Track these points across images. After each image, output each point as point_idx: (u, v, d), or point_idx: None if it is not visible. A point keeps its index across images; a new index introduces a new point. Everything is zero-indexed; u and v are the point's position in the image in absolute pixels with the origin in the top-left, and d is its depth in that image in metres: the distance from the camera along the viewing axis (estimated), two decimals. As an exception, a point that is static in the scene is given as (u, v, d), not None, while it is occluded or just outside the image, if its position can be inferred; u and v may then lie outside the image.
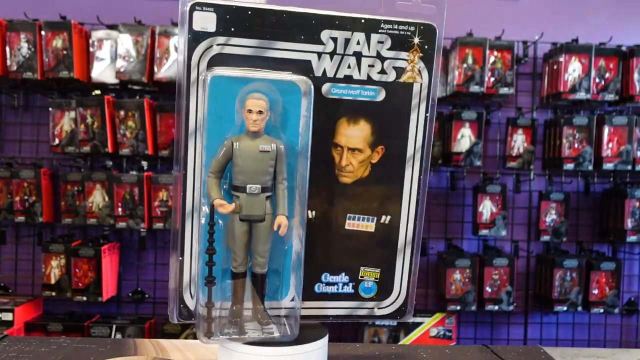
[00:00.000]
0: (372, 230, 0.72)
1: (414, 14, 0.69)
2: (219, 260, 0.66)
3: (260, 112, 0.63)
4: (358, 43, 0.68)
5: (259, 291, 0.67)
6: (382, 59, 0.68)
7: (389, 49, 0.68)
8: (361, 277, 0.73)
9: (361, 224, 0.72)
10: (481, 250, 2.70)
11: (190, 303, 0.67)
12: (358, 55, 0.68)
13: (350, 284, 0.72)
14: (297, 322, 0.68)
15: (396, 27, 0.68)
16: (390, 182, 0.72)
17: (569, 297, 2.51)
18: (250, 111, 0.63)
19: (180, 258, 0.66)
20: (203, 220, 0.65)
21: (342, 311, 0.73)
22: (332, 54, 0.67)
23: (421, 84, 0.70)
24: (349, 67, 0.68)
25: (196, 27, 0.62)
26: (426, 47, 0.69)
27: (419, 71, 0.70)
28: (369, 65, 0.68)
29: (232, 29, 0.63)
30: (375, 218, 0.72)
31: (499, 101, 2.65)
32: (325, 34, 0.67)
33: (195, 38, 0.63)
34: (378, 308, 0.74)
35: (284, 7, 0.65)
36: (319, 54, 0.67)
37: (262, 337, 0.66)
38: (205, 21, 0.63)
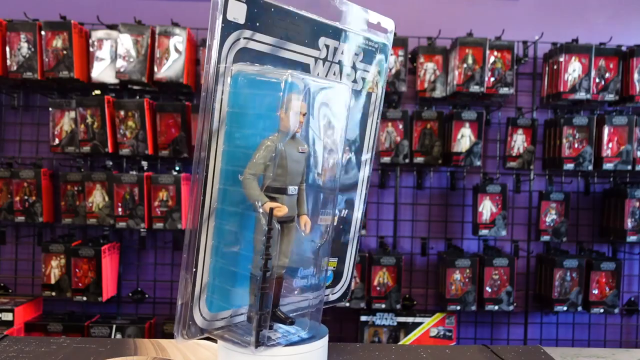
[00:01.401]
0: (335, 223, 0.77)
1: (373, 33, 0.78)
2: (228, 264, 0.64)
3: (304, 114, 0.64)
4: (342, 53, 0.73)
5: (278, 292, 0.67)
6: (356, 70, 0.76)
7: (361, 61, 0.76)
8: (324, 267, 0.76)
9: (329, 218, 0.75)
10: (481, 250, 2.70)
11: (199, 319, 0.64)
12: (341, 64, 0.74)
13: (316, 275, 0.75)
14: (318, 317, 0.69)
15: (368, 42, 0.76)
16: (351, 179, 0.79)
17: (569, 297, 2.51)
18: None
19: (195, 269, 0.63)
20: (262, 226, 0.61)
21: (308, 302, 0.76)
22: (324, 60, 0.71)
23: (377, 94, 0.79)
24: (334, 74, 0.73)
25: (229, 17, 0.61)
26: (382, 62, 0.79)
27: (376, 83, 0.79)
28: (347, 74, 0.74)
29: (257, 24, 0.63)
30: (338, 212, 0.77)
31: (499, 101, 2.65)
32: (322, 41, 0.70)
33: (227, 28, 0.61)
34: (332, 294, 0.80)
35: (298, 10, 0.67)
36: (316, 59, 0.70)
37: (294, 337, 0.66)
38: (237, 12, 0.62)
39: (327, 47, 0.71)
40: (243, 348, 0.64)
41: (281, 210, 0.62)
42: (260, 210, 0.62)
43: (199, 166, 0.61)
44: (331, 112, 0.68)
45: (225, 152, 0.63)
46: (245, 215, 0.64)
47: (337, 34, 0.72)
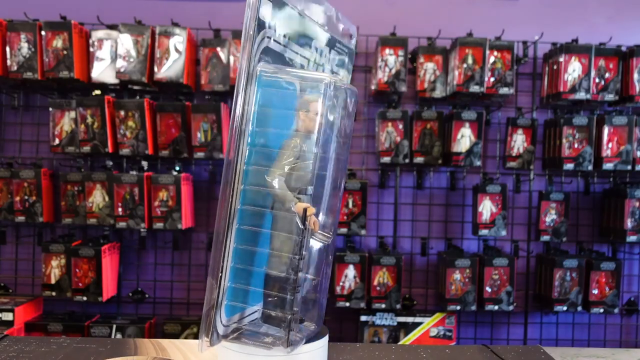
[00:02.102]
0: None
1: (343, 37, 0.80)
2: (242, 265, 0.64)
3: (322, 115, 0.64)
4: (325, 56, 0.76)
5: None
6: (332, 73, 0.78)
7: (336, 65, 0.78)
8: None
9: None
10: (481, 250, 2.70)
11: (219, 325, 0.63)
12: (323, 67, 0.76)
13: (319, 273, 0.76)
14: (320, 315, 0.70)
15: (342, 47, 0.79)
16: (323, 179, 0.78)
17: (569, 297, 2.51)
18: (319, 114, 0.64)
19: (221, 274, 0.62)
20: (290, 226, 0.62)
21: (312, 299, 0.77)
22: (314, 63, 0.73)
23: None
24: None
25: (261, 15, 0.61)
26: (349, 67, 0.82)
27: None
28: None
29: (276, 23, 0.64)
30: None
31: (499, 101, 2.65)
32: (314, 44, 0.72)
33: (258, 27, 0.61)
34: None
35: (305, 12, 0.68)
36: (309, 61, 0.72)
37: (307, 335, 0.67)
38: (266, 10, 0.62)
39: (317, 49, 0.72)
40: (266, 350, 0.64)
41: (311, 210, 0.63)
42: (294, 211, 0.62)
43: (229, 168, 0.61)
44: (344, 115, 0.69)
45: (249, 152, 0.63)
46: (263, 215, 0.64)
47: (323, 37, 0.73)
